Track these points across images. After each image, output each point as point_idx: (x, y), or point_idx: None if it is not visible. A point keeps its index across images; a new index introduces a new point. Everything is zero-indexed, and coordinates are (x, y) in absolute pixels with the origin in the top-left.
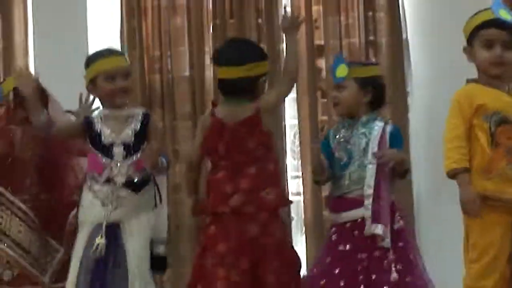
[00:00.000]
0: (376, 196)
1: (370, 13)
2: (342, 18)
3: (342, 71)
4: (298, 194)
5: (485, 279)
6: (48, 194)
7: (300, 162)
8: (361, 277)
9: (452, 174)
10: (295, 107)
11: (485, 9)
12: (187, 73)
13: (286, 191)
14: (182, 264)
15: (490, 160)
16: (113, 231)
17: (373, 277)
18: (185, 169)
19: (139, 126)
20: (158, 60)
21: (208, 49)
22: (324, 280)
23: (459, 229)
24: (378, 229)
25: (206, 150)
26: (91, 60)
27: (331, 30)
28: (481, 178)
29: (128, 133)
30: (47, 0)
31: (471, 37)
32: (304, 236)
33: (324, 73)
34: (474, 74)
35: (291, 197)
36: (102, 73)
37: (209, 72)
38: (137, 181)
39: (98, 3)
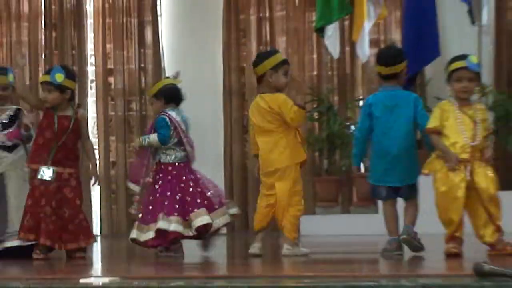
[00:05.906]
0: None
1: (142, 50)
2: (125, 52)
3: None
4: None
5: None
6: None
7: None
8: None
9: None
10: (94, 107)
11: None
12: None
13: None
14: None
15: None
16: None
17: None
18: None
19: (12, 113)
20: None
21: (41, 68)
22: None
23: None
24: (128, 183)
25: None
26: None
27: (118, 60)
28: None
29: (4, 117)
30: None
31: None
32: None
33: (113, 86)
34: (208, 89)
35: None
36: None
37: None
38: (8, 145)
39: None
